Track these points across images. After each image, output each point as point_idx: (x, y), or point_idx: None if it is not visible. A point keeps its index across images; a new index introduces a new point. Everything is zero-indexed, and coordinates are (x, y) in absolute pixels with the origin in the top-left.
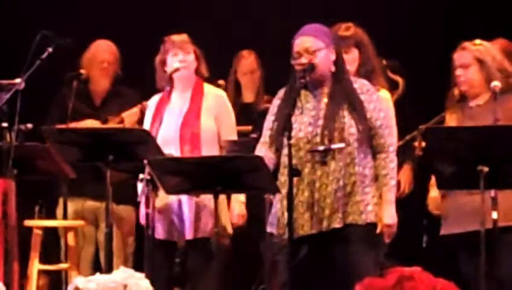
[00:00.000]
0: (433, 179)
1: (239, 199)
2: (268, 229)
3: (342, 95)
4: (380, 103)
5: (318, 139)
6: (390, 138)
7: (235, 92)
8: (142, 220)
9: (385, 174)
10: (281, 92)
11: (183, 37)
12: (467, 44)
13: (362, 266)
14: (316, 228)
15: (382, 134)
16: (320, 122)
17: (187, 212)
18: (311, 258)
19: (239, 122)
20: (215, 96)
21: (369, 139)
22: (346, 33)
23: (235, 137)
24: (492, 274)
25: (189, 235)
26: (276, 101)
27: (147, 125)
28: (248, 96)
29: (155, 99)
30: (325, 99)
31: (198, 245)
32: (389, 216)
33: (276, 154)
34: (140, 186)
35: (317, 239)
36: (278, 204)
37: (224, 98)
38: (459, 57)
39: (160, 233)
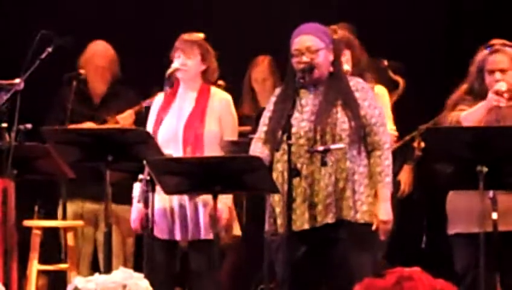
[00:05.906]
0: None
1: (224, 201)
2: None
3: (336, 93)
4: (375, 100)
5: (311, 134)
6: (385, 135)
7: (251, 99)
8: (133, 223)
9: (380, 171)
10: (277, 90)
11: (194, 37)
12: (500, 46)
13: (356, 265)
14: (310, 223)
15: (377, 131)
16: (314, 118)
17: (189, 212)
18: (307, 256)
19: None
20: (220, 99)
21: (363, 137)
22: (334, 36)
23: (235, 139)
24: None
25: (191, 235)
26: (273, 99)
27: (150, 123)
28: (264, 104)
29: (160, 97)
30: (321, 98)
31: (200, 246)
32: (385, 213)
33: (270, 151)
34: (136, 186)
35: (312, 236)
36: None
37: (229, 101)
38: (496, 60)
39: (162, 233)
